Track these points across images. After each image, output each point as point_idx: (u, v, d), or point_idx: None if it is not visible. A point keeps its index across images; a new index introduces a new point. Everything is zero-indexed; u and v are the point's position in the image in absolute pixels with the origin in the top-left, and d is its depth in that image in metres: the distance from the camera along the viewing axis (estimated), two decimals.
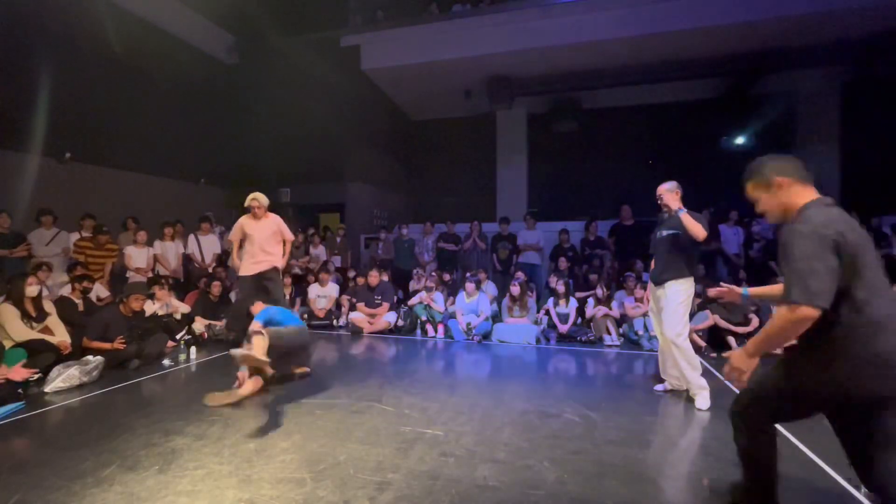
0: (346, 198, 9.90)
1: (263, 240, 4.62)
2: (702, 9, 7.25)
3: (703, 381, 3.26)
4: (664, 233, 3.37)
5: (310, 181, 9.95)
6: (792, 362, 1.58)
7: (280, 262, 4.78)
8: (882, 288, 1.47)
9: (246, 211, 4.70)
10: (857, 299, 1.43)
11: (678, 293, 3.26)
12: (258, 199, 4.59)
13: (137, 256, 5.99)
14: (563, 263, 6.72)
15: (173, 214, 7.15)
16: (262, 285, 4.65)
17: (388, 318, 6.06)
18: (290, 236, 4.82)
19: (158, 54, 7.55)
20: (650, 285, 3.56)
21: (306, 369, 4.15)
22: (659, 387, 3.61)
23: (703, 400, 3.19)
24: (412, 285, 7.04)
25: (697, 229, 3.12)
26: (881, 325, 1.41)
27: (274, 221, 4.71)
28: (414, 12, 9.01)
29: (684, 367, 3.26)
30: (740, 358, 1.61)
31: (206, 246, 6.59)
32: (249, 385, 3.44)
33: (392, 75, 9.27)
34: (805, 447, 2.55)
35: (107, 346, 4.15)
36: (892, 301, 1.46)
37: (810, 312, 1.38)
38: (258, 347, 3.25)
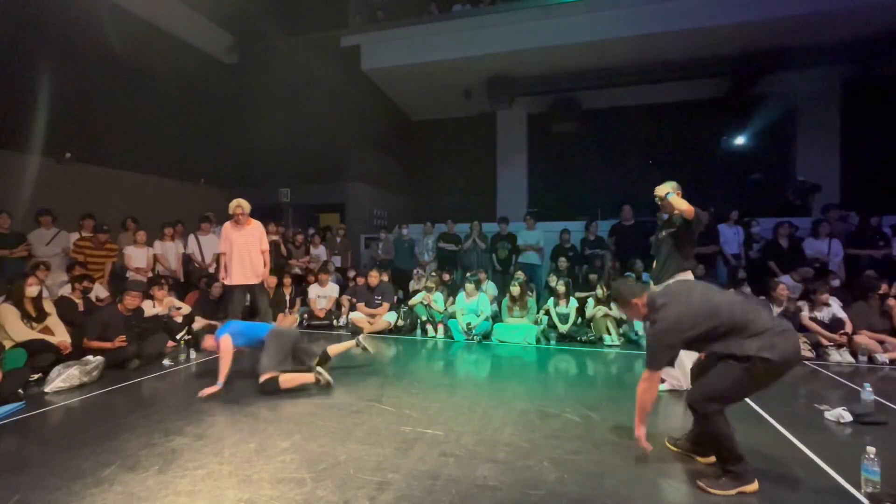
0: (346, 198, 9.90)
1: (245, 248, 4.60)
2: (702, 9, 7.24)
3: None
4: (663, 233, 3.39)
5: (310, 181, 9.95)
6: (740, 371, 2.05)
7: (261, 279, 4.73)
8: (729, 307, 2.11)
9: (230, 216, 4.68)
10: (735, 330, 2.06)
11: None
12: (242, 205, 4.55)
13: (137, 256, 6.00)
14: (563, 263, 6.72)
15: (173, 214, 7.14)
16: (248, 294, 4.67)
17: (388, 318, 6.07)
18: (265, 246, 4.76)
19: (158, 54, 7.55)
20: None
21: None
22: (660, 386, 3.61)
23: None
24: (412, 285, 7.04)
25: (684, 206, 3.11)
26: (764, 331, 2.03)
27: (256, 229, 4.69)
28: (414, 12, 9.01)
29: (687, 366, 3.25)
30: (637, 428, 2.31)
31: (206, 246, 6.58)
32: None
33: (392, 75, 9.27)
34: (805, 447, 2.55)
35: (107, 345, 4.14)
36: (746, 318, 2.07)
37: (656, 375, 2.20)
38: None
